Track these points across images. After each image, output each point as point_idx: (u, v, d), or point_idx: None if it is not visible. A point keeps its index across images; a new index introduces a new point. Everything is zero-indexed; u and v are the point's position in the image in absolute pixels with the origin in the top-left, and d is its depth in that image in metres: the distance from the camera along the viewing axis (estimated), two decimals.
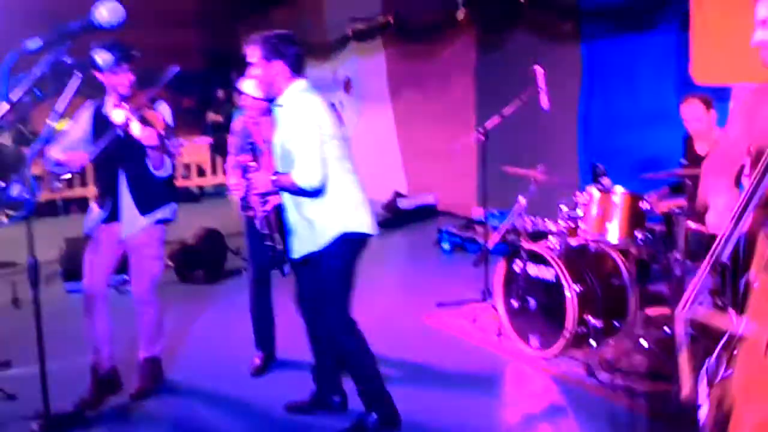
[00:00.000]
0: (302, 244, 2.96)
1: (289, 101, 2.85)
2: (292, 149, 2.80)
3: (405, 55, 8.47)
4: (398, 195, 8.42)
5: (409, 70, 8.45)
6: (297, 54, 2.84)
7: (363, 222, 2.92)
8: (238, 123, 3.73)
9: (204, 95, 12.12)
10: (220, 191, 10.86)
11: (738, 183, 2.03)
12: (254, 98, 3.48)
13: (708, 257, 1.76)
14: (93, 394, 3.38)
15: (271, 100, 2.95)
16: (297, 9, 10.38)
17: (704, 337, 1.79)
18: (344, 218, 2.87)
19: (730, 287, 1.82)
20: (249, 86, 3.47)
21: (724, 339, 1.74)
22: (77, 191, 9.25)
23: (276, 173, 2.90)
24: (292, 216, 2.97)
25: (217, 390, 3.57)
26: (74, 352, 3.58)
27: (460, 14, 6.99)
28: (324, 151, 2.78)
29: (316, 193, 2.80)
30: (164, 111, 3.28)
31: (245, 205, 3.63)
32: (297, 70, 2.85)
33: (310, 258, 2.95)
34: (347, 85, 9.67)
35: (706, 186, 2.02)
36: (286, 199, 2.97)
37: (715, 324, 1.69)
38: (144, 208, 3.35)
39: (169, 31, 11.54)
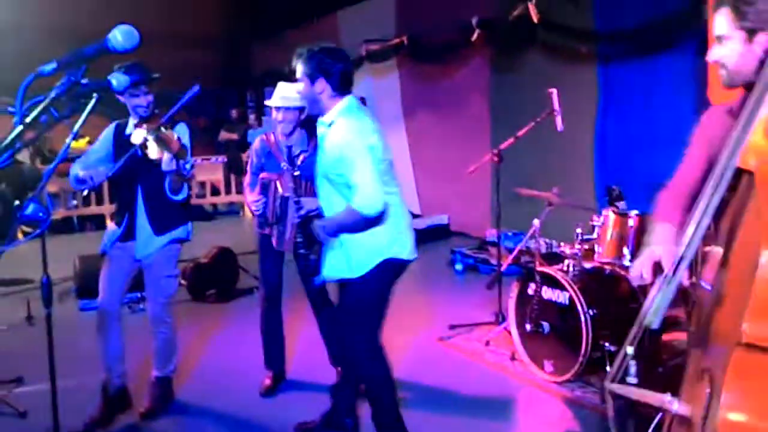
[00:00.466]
0: (337, 269, 2.83)
1: (337, 121, 2.71)
2: (343, 174, 2.65)
3: (419, 76, 8.52)
4: (411, 215, 8.39)
5: (423, 90, 8.49)
6: (343, 71, 2.69)
7: (405, 248, 2.82)
8: (257, 142, 3.73)
9: (219, 114, 12.25)
10: (233, 209, 10.94)
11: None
12: (286, 108, 3.47)
13: (635, 326, 1.63)
14: (102, 413, 3.36)
15: (312, 113, 2.88)
16: (312, 30, 10.49)
17: (638, 413, 1.66)
18: (387, 245, 2.75)
19: None
20: (276, 99, 3.49)
21: (657, 418, 1.64)
22: (92, 209, 9.34)
23: (320, 216, 2.85)
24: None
25: (226, 410, 3.55)
26: (86, 369, 3.59)
27: (475, 35, 7.02)
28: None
29: (376, 221, 2.67)
30: (182, 132, 3.30)
31: (262, 222, 3.63)
32: (342, 88, 2.71)
33: (343, 281, 2.87)
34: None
35: (656, 215, 1.90)
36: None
37: (646, 401, 1.56)
38: (159, 228, 3.35)
39: (185, 50, 11.71)
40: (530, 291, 3.82)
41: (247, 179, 3.77)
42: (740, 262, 1.45)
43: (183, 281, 5.56)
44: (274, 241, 3.56)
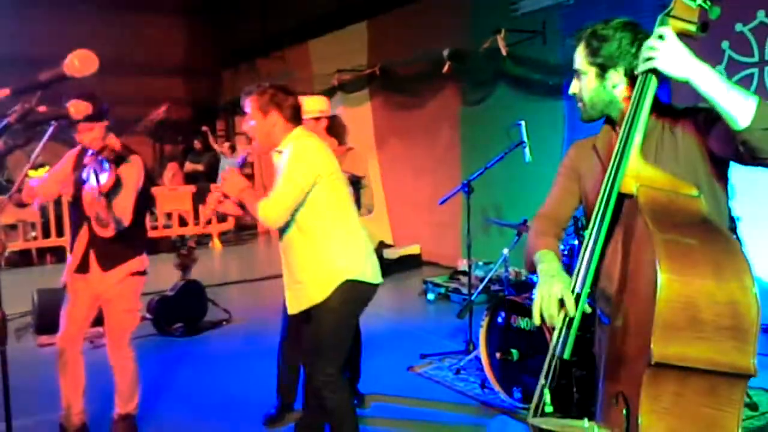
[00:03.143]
0: (301, 300, 2.82)
1: (289, 146, 2.80)
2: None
3: (391, 106, 8.59)
4: (384, 245, 8.38)
5: (396, 121, 8.55)
6: (294, 104, 2.82)
7: (366, 270, 2.81)
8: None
9: (189, 143, 12.15)
10: (202, 240, 10.76)
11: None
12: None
13: (548, 358, 1.70)
14: None
15: (265, 148, 2.88)
16: (284, 59, 10.54)
17: None
18: (345, 266, 2.76)
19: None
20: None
21: None
22: (53, 240, 9.02)
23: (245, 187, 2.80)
24: (285, 274, 2.88)
25: None
26: (44, 408, 3.46)
27: (446, 67, 7.12)
28: (317, 192, 2.70)
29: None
30: (125, 171, 3.17)
31: None
32: (293, 120, 2.82)
33: (309, 311, 2.83)
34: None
35: (537, 244, 1.94)
36: (284, 257, 2.89)
37: (568, 431, 1.62)
38: (105, 265, 3.24)
39: (153, 78, 11.65)
40: (500, 319, 3.81)
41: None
42: (637, 284, 1.50)
43: (148, 314, 5.42)
44: None
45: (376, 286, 2.85)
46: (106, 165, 3.02)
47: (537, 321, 1.70)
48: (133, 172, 3.21)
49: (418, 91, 7.93)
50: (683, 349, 1.38)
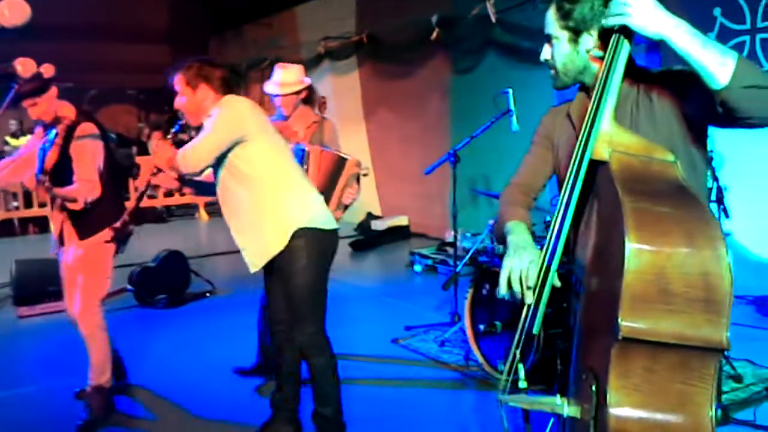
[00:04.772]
0: (258, 257, 2.80)
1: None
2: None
3: (380, 74, 8.45)
4: (372, 216, 8.33)
5: (384, 89, 8.42)
6: (222, 77, 2.81)
7: (318, 216, 2.79)
8: None
9: (175, 112, 11.96)
10: (188, 212, 10.68)
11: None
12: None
13: (518, 332, 1.67)
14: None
15: (197, 123, 2.88)
16: (270, 26, 10.34)
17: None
18: (296, 214, 2.75)
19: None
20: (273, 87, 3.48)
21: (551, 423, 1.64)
22: (35, 211, 8.90)
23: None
24: (238, 237, 2.86)
25: (176, 420, 3.40)
26: (21, 381, 3.41)
27: (434, 34, 6.99)
28: (252, 149, 2.72)
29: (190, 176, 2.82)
30: (76, 144, 3.11)
31: None
32: (223, 90, 2.82)
33: (271, 266, 2.81)
34: (321, 104, 9.60)
35: (501, 215, 1.89)
36: (233, 222, 2.87)
37: (540, 408, 1.60)
38: (81, 234, 3.19)
39: (141, 46, 11.41)
40: (484, 291, 3.78)
41: None
42: (608, 254, 1.44)
43: (129, 286, 5.35)
44: None
45: (333, 232, 2.84)
46: (53, 134, 2.95)
47: (504, 292, 1.66)
48: (86, 143, 3.13)
49: (407, 59, 7.79)
50: (653, 323, 1.31)
